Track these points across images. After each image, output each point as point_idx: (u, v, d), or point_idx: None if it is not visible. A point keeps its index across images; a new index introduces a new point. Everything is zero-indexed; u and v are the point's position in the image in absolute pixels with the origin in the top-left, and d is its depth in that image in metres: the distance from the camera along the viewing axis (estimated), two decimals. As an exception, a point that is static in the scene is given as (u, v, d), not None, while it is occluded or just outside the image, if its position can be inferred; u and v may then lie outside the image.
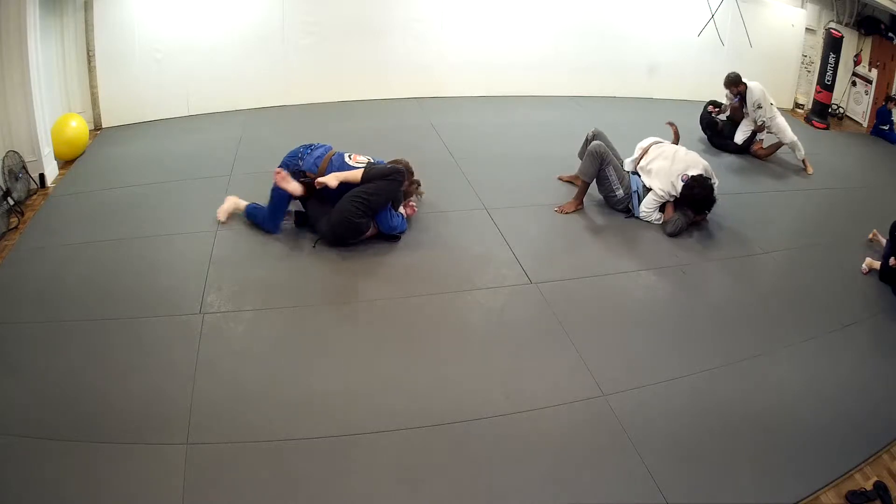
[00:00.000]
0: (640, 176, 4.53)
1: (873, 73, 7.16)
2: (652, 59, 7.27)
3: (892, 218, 3.92)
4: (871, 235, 4.35)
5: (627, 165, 4.61)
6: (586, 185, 4.51)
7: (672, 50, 7.28)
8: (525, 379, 2.94)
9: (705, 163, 4.42)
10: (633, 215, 4.47)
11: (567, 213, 4.48)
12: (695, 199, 4.20)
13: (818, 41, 7.45)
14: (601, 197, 4.63)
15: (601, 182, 4.50)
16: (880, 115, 6.89)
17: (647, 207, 4.39)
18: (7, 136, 4.46)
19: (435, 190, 4.55)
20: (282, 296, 3.41)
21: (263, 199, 3.97)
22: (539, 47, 7.01)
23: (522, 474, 2.45)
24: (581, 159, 4.61)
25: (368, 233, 3.87)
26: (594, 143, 4.46)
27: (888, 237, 3.92)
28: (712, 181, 4.29)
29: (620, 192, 4.47)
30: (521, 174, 5.02)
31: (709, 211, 4.34)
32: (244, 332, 3.15)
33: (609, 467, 2.52)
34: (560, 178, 4.89)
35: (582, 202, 4.56)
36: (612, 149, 4.55)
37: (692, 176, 4.24)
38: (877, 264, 3.96)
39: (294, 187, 3.83)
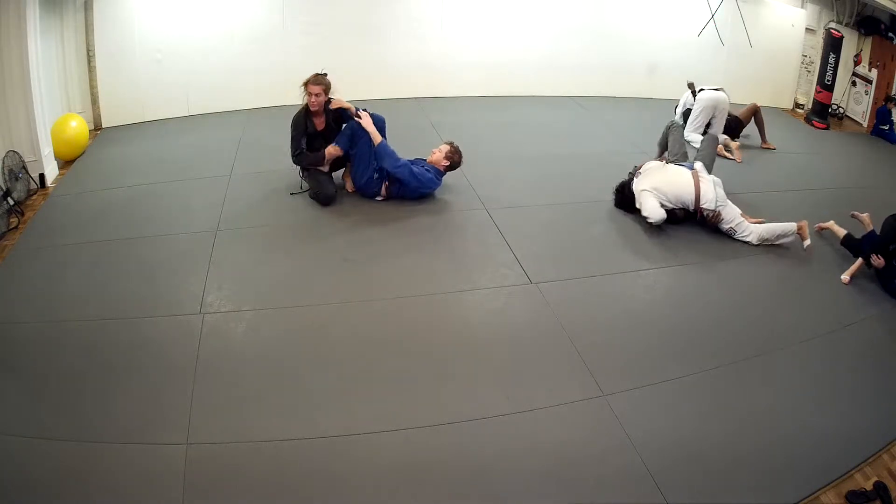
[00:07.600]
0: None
1: (873, 73, 7.15)
2: (652, 59, 7.27)
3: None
4: (857, 216, 4.38)
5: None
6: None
7: (672, 50, 7.27)
8: (525, 379, 2.94)
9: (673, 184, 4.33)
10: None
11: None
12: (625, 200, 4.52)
13: (818, 41, 7.44)
14: (601, 197, 4.68)
15: None
16: (880, 115, 6.88)
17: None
18: (7, 136, 4.47)
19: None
20: (282, 296, 3.42)
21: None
22: (539, 47, 7.01)
23: (522, 474, 2.45)
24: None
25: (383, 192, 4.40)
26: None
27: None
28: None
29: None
30: (521, 174, 5.02)
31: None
32: (244, 332, 3.15)
33: (609, 467, 2.51)
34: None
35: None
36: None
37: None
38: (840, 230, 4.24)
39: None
